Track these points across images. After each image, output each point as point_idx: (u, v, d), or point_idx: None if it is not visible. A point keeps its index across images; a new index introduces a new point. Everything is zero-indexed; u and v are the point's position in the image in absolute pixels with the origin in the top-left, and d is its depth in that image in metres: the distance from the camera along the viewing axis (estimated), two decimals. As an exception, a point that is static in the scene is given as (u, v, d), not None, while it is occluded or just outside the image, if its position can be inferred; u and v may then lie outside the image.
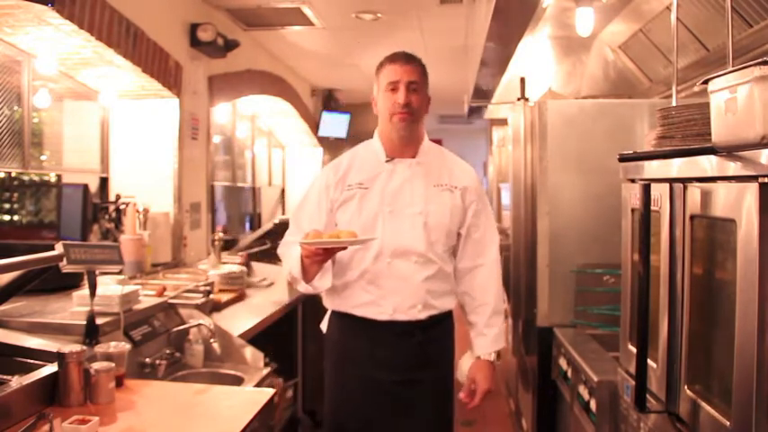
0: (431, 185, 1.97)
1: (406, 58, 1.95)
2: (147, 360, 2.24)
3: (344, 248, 1.83)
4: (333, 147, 7.65)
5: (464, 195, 2.00)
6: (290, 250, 1.95)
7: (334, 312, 2.06)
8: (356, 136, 7.43)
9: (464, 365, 1.99)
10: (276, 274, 3.92)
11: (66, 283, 2.51)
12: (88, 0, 2.80)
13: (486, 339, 2.01)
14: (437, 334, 2.00)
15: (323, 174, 2.05)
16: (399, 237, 1.92)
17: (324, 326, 2.12)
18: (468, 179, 2.04)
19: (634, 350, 1.64)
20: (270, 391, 1.95)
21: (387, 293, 1.92)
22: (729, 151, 1.24)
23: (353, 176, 1.98)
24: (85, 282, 2.06)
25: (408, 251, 1.92)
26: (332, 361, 2.07)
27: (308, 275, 1.88)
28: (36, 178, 3.25)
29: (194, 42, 3.85)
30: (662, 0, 2.86)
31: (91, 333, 2.03)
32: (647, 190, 1.54)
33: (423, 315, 1.94)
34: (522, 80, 3.27)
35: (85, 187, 3.05)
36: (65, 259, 1.84)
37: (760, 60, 1.11)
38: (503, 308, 2.06)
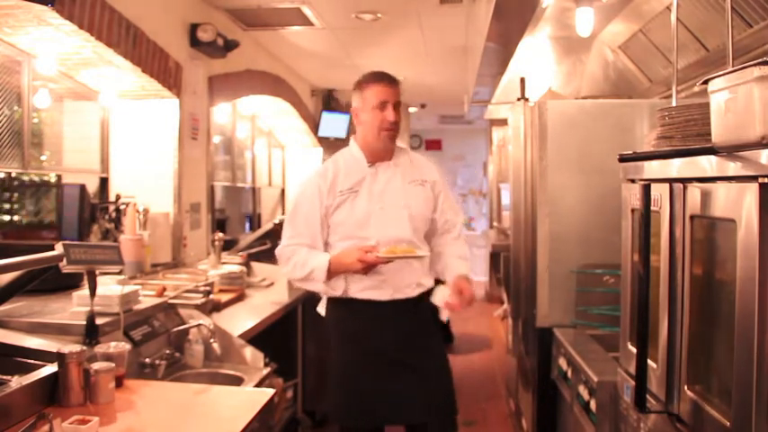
0: (406, 182, 2.29)
1: (391, 80, 2.23)
2: (147, 360, 2.24)
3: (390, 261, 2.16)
4: (333, 147, 7.62)
5: (433, 187, 2.35)
6: (308, 254, 2.21)
7: (334, 299, 2.28)
8: (356, 136, 7.41)
9: (439, 292, 2.26)
10: (276, 274, 3.92)
11: (67, 283, 2.51)
12: (88, 0, 2.80)
13: (460, 263, 2.33)
14: (426, 307, 2.29)
15: (312, 182, 2.28)
16: (390, 229, 2.22)
17: (321, 309, 2.35)
18: (434, 174, 2.38)
19: (634, 350, 1.64)
20: (270, 391, 1.95)
21: (387, 278, 2.20)
22: (729, 151, 1.24)
23: (342, 183, 2.24)
24: (85, 282, 2.06)
25: (399, 240, 2.21)
26: (336, 342, 2.29)
27: (329, 277, 2.18)
28: (36, 178, 3.25)
29: (194, 42, 3.85)
30: (662, 0, 2.86)
31: (91, 333, 2.03)
32: (647, 190, 1.54)
33: (415, 292, 2.25)
34: (522, 80, 3.27)
35: (82, 187, 3.05)
36: (65, 259, 1.84)
37: (760, 60, 1.11)
38: (468, 262, 2.37)
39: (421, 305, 2.27)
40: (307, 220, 2.25)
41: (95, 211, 3.33)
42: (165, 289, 2.71)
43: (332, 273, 2.18)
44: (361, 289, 2.21)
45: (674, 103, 1.97)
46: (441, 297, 2.22)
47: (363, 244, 2.17)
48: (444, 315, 2.29)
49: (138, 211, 3.33)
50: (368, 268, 2.14)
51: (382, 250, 2.13)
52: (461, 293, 2.18)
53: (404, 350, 2.21)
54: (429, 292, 2.30)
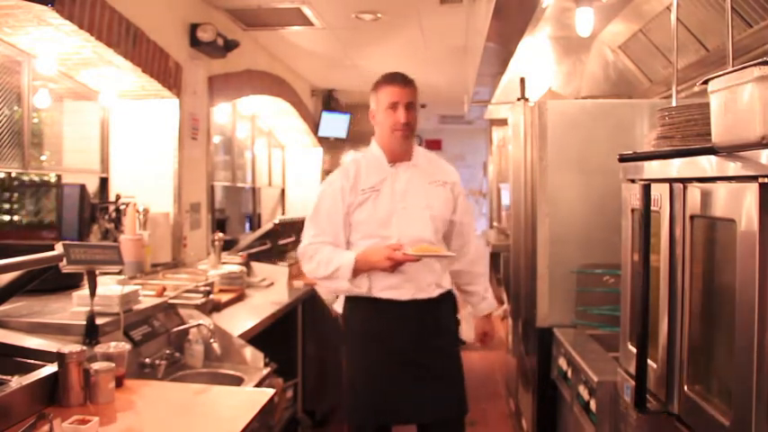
0: (426, 183, 2.31)
1: (404, 81, 2.26)
2: (147, 360, 2.24)
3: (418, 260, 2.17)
4: (333, 147, 7.64)
5: (453, 189, 2.37)
6: (332, 252, 2.22)
7: (354, 298, 2.29)
8: (356, 136, 7.41)
9: (467, 327, 2.44)
10: (276, 274, 3.92)
11: (67, 283, 2.51)
12: (88, 0, 2.80)
13: (487, 302, 2.48)
14: (445, 308, 2.33)
15: (334, 180, 2.31)
16: (412, 228, 2.24)
17: (338, 307, 2.37)
18: (453, 176, 2.41)
19: (634, 350, 1.64)
20: (270, 391, 1.95)
21: (410, 277, 2.21)
22: (729, 151, 1.24)
23: (364, 182, 2.27)
24: (85, 282, 2.06)
25: (421, 240, 2.22)
26: (357, 342, 2.30)
27: (355, 275, 2.20)
28: (36, 178, 3.25)
29: (194, 42, 3.85)
30: (662, 0, 2.86)
31: (91, 333, 2.03)
32: (647, 190, 1.54)
33: (435, 293, 2.27)
34: (522, 80, 3.27)
35: (82, 187, 3.04)
36: (65, 259, 1.84)
37: (760, 60, 1.11)
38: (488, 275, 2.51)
39: (440, 306, 2.29)
40: (329, 218, 2.27)
41: (95, 211, 3.33)
42: (165, 289, 2.71)
43: (357, 271, 2.18)
44: (384, 288, 2.22)
45: (674, 103, 1.97)
46: (467, 333, 2.62)
47: (386, 243, 2.18)
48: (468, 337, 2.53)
49: (138, 211, 3.33)
50: (395, 266, 2.14)
51: (409, 249, 2.14)
52: (485, 335, 2.49)
53: (423, 350, 2.23)
54: (447, 293, 2.33)
